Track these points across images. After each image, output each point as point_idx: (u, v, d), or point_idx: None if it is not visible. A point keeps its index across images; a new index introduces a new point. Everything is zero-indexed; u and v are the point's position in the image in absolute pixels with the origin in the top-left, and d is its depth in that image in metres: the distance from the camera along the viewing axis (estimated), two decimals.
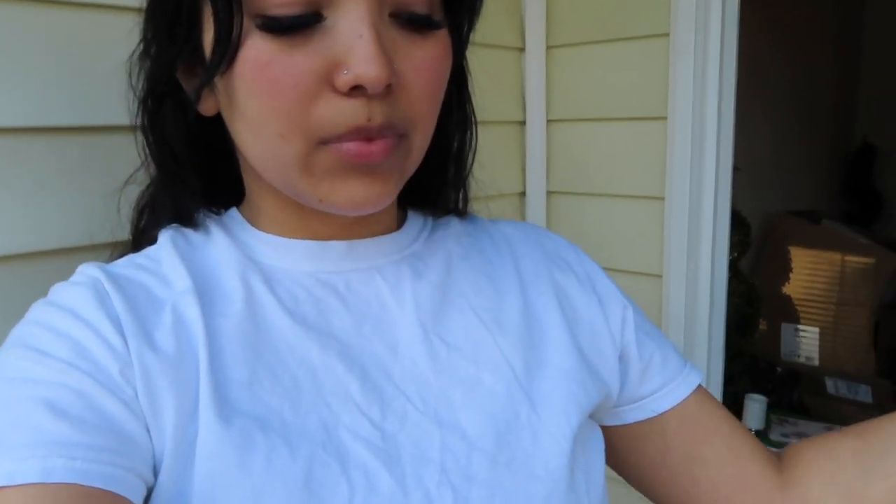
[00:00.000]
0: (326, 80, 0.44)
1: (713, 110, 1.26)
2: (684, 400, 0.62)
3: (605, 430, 0.63)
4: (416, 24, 0.47)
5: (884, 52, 3.42)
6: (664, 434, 0.62)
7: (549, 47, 1.41)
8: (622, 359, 0.62)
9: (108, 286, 0.49)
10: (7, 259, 0.72)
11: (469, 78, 0.61)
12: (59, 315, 0.47)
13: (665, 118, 1.28)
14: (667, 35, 1.25)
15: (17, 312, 0.71)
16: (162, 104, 0.55)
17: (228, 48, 0.45)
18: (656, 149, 1.30)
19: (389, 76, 0.44)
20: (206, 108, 0.52)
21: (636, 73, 1.31)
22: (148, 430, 0.44)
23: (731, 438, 0.62)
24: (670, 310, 1.33)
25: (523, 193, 1.46)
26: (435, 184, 0.63)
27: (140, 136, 0.57)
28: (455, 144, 0.62)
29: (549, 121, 1.43)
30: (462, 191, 0.65)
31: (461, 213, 0.66)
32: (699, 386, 0.64)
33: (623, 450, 0.64)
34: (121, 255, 0.57)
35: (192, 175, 0.57)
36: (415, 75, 0.47)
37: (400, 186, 0.52)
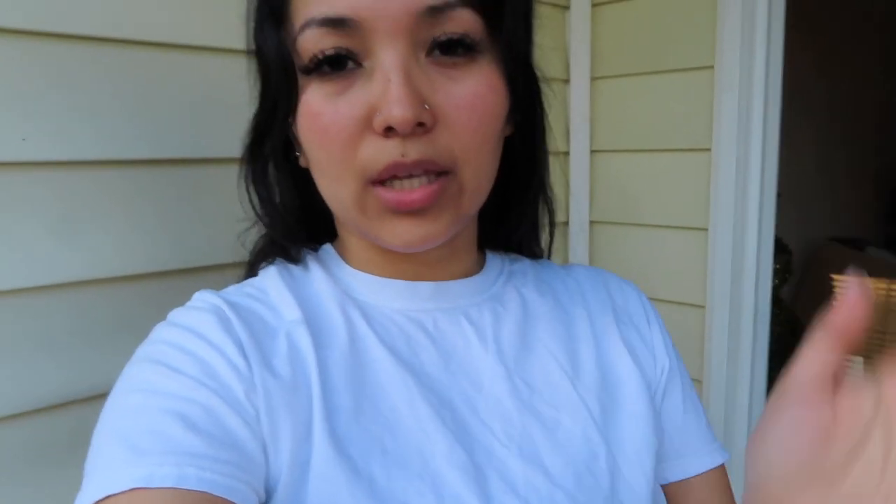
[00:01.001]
0: (367, 124, 0.48)
1: (758, 141, 1.26)
2: (696, 477, 0.62)
3: None
4: (455, 55, 0.49)
5: None
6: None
7: (593, 78, 1.43)
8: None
9: (229, 312, 0.52)
10: (95, 283, 0.79)
11: (544, 111, 0.61)
12: (187, 336, 0.50)
13: (709, 149, 1.29)
14: (711, 67, 1.27)
15: (103, 332, 0.79)
16: (266, 163, 0.59)
17: (290, 105, 0.51)
18: (700, 180, 1.30)
19: (416, 116, 0.46)
20: (303, 160, 0.57)
21: (681, 104, 1.32)
22: (265, 450, 0.47)
23: None
24: (713, 340, 1.32)
25: (566, 223, 1.48)
26: (510, 226, 0.65)
27: (245, 194, 0.61)
28: (523, 184, 0.62)
29: (592, 151, 1.45)
30: (544, 234, 0.67)
31: (535, 257, 0.68)
32: (719, 467, 0.63)
33: None
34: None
35: (297, 225, 0.61)
36: (454, 111, 0.49)
37: (458, 224, 0.53)
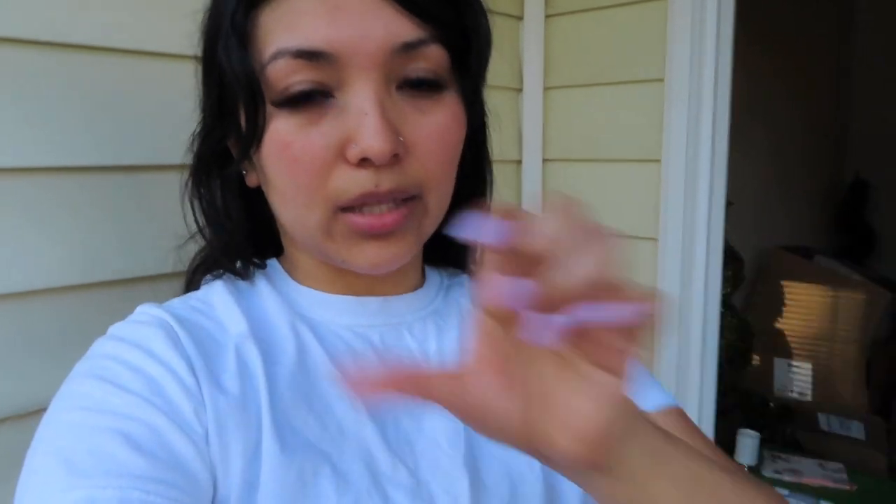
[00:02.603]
0: (339, 154, 0.49)
1: (706, 153, 1.29)
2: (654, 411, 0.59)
3: None
4: (423, 89, 0.51)
5: (876, 89, 3.47)
6: None
7: (546, 88, 1.44)
8: None
9: (176, 327, 0.51)
10: (38, 294, 0.76)
11: (488, 139, 0.64)
12: (132, 351, 0.49)
13: (659, 160, 1.30)
14: (662, 80, 1.28)
15: (46, 343, 0.76)
16: (210, 177, 0.59)
17: (255, 132, 0.50)
18: (650, 190, 1.32)
19: (394, 148, 0.48)
20: (251, 180, 0.57)
21: (632, 115, 1.34)
22: (213, 471, 0.46)
23: None
24: (663, 348, 1.34)
25: None
26: (452, 243, 0.65)
27: (188, 205, 0.61)
28: (467, 201, 0.64)
29: (545, 160, 1.46)
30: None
31: (472, 272, 0.68)
32: (674, 409, 0.60)
33: None
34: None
35: (242, 241, 0.60)
36: (423, 142, 0.51)
37: (418, 245, 0.56)
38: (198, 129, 0.59)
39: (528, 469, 0.55)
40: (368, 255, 0.52)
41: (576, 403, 0.33)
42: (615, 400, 0.33)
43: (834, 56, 3.41)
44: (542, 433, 0.34)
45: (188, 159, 0.60)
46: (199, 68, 0.56)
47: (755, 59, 2.44)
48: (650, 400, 0.62)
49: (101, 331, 0.54)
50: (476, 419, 0.37)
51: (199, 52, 0.55)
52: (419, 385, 0.36)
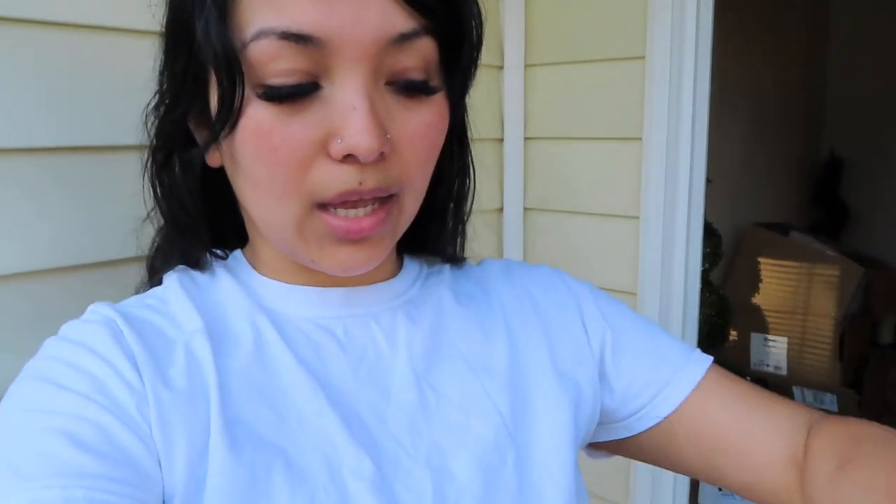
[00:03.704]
0: (322, 148, 0.46)
1: (687, 131, 1.29)
2: (684, 402, 0.61)
3: (635, 438, 0.63)
4: (412, 91, 0.49)
5: (850, 66, 3.51)
6: (676, 435, 0.62)
7: (527, 66, 1.43)
8: (603, 379, 0.63)
9: (121, 325, 0.50)
10: (17, 277, 0.75)
11: (469, 130, 0.63)
12: (76, 351, 0.48)
13: (640, 138, 1.31)
14: (642, 58, 1.28)
15: (11, 330, 0.74)
16: (171, 156, 0.56)
17: (230, 115, 0.47)
18: (631, 168, 1.32)
19: (381, 146, 0.46)
20: (213, 160, 0.54)
21: (612, 93, 1.34)
22: (160, 466, 0.46)
23: (739, 444, 0.59)
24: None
25: (501, 210, 1.48)
26: (433, 232, 0.64)
27: (148, 186, 0.58)
28: (454, 193, 0.63)
29: (526, 138, 1.45)
30: (459, 241, 0.67)
31: (455, 261, 0.67)
32: (703, 379, 0.61)
33: (655, 452, 0.64)
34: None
35: (201, 224, 0.58)
36: (408, 142, 0.49)
37: (391, 246, 0.54)
38: (154, 104, 0.55)
39: (501, 463, 0.54)
40: (340, 259, 0.50)
41: None
42: None
43: (810, 34, 3.43)
44: None
45: (145, 137, 0.57)
46: (163, 37, 0.52)
47: (727, 37, 2.44)
48: (681, 387, 0.61)
49: (62, 318, 0.53)
50: None
51: (164, 18, 0.51)
52: None
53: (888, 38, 3.34)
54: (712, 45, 1.30)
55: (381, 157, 0.47)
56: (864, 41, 3.43)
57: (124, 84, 0.79)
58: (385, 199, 0.50)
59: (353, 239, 0.49)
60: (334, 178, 0.47)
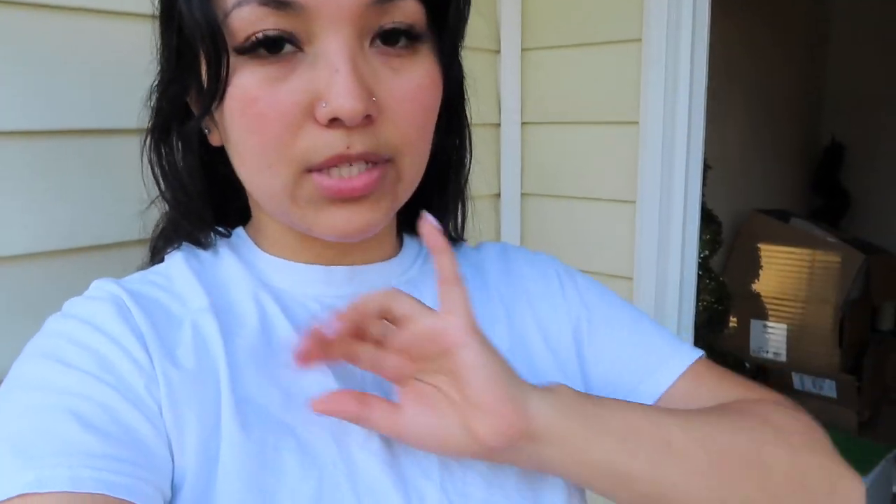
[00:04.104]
0: (308, 113, 0.46)
1: (684, 115, 1.28)
2: (668, 390, 0.60)
3: None
4: (398, 45, 0.48)
5: (851, 52, 3.49)
6: None
7: (524, 50, 1.42)
8: (581, 363, 0.63)
9: (128, 302, 0.50)
10: (20, 258, 0.75)
11: (466, 101, 0.62)
12: (82, 328, 0.48)
13: (637, 122, 1.30)
14: (639, 41, 1.27)
15: (27, 309, 0.75)
16: (169, 133, 0.56)
17: (218, 86, 0.47)
18: (628, 153, 1.32)
19: (366, 109, 0.45)
20: (213, 139, 0.54)
21: (609, 77, 1.33)
22: (170, 446, 0.45)
23: None
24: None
25: (498, 195, 1.48)
26: (432, 208, 0.63)
27: (148, 169, 0.58)
28: (452, 164, 0.62)
29: (523, 123, 1.44)
30: (460, 217, 0.66)
31: (453, 240, 0.67)
32: (688, 370, 0.61)
33: None
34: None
35: (201, 203, 0.58)
36: (397, 103, 0.48)
37: (393, 211, 0.53)
38: (156, 83, 0.56)
39: None
40: (336, 222, 0.49)
41: (483, 393, 0.46)
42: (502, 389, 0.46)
43: (811, 19, 3.41)
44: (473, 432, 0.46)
45: (146, 117, 0.57)
46: (157, 17, 0.53)
47: (726, 20, 2.43)
48: (665, 375, 0.60)
49: (56, 299, 0.52)
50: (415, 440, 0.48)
51: (158, 4, 0.52)
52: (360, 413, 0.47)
53: (889, 23, 3.32)
54: (710, 28, 1.29)
55: (369, 121, 0.47)
56: (865, 27, 3.41)
57: (111, 66, 0.80)
58: (379, 163, 0.49)
59: (346, 198, 0.48)
60: (322, 143, 0.47)
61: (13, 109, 0.73)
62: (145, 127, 0.58)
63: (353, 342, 0.48)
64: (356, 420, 0.47)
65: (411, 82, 0.49)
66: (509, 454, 0.47)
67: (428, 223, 0.48)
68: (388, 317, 0.48)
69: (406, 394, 0.49)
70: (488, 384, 0.45)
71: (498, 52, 1.43)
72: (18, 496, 0.38)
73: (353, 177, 0.48)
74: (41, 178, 0.76)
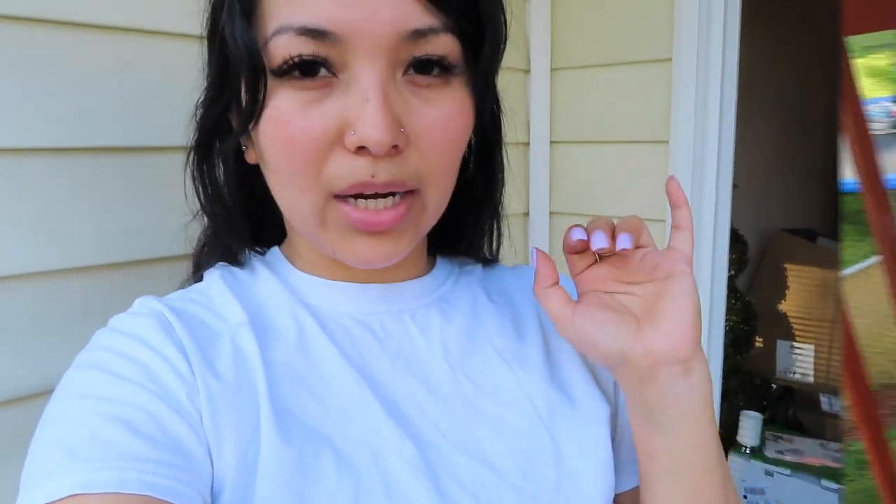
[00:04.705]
0: (338, 139, 0.47)
1: (714, 134, 1.28)
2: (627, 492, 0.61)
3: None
4: (430, 74, 0.49)
5: None
6: None
7: (553, 69, 1.43)
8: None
9: (170, 317, 0.52)
10: (72, 272, 0.78)
11: (503, 128, 0.62)
12: (128, 342, 0.50)
13: (667, 141, 1.30)
14: (669, 60, 1.28)
15: (81, 319, 0.79)
16: (211, 150, 0.58)
17: (255, 107, 0.49)
18: (658, 172, 1.32)
19: (393, 139, 0.46)
20: (250, 157, 0.56)
21: (639, 96, 1.33)
22: (210, 453, 0.47)
23: None
24: None
25: (527, 214, 1.48)
26: (465, 231, 0.65)
27: (191, 184, 0.60)
28: (485, 191, 0.63)
29: (552, 142, 1.45)
30: (494, 240, 0.67)
31: (487, 261, 0.68)
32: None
33: None
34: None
35: (238, 219, 0.60)
36: (426, 133, 0.49)
37: (415, 242, 0.54)
38: (201, 100, 0.58)
39: (539, 453, 0.55)
40: (360, 252, 0.50)
41: (677, 314, 0.53)
42: (696, 307, 0.54)
43: (837, 39, 3.40)
44: (652, 341, 0.53)
45: (191, 133, 0.59)
46: (205, 38, 0.55)
47: (755, 39, 2.42)
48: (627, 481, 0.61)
49: (103, 311, 0.55)
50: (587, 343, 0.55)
51: (204, 21, 0.55)
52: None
53: None
54: (741, 47, 1.29)
55: (396, 151, 0.47)
56: None
57: (154, 85, 0.82)
58: (405, 195, 0.50)
59: (372, 232, 0.50)
60: (348, 170, 0.47)
61: (55, 127, 0.75)
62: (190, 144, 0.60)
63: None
64: (552, 284, 0.57)
65: (441, 113, 0.50)
66: (662, 370, 0.52)
67: (674, 181, 0.58)
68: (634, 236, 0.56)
69: (589, 297, 0.56)
70: (687, 310, 0.53)
71: (528, 71, 1.44)
72: (69, 496, 0.40)
73: (380, 210, 0.49)
74: (86, 195, 0.78)
